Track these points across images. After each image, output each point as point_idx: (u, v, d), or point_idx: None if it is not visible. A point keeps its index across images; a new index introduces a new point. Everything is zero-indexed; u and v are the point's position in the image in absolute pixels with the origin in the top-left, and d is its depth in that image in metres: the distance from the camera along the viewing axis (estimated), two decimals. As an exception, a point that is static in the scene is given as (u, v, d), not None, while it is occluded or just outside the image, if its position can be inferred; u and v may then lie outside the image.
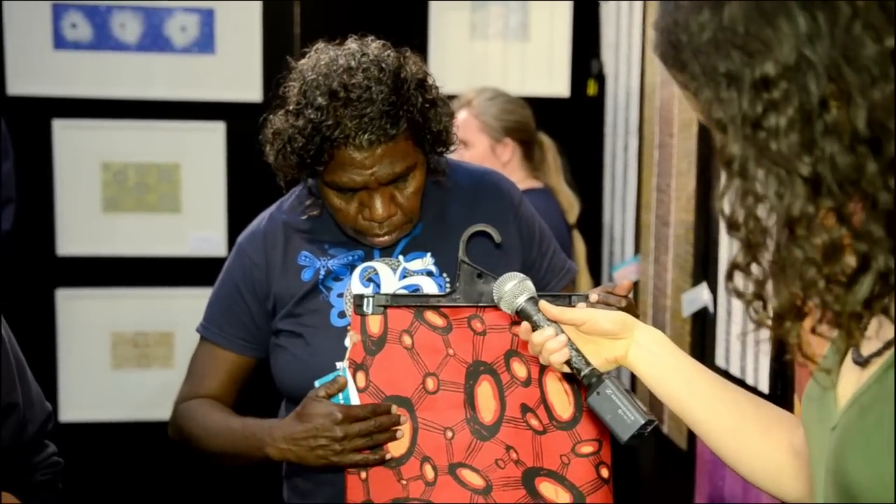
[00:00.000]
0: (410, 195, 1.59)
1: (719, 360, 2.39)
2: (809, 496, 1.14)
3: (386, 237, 1.61)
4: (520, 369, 1.58)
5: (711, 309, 2.45)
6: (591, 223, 3.36)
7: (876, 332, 0.91)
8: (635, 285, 2.96)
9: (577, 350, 1.33)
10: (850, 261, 0.86)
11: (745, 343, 2.22)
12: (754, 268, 0.90)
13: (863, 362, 0.93)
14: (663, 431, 2.82)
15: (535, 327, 1.36)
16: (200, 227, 3.39)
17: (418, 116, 1.55)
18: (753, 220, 0.88)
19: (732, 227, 0.90)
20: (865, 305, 0.87)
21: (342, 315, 1.64)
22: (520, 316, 1.39)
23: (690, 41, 0.91)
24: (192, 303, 3.37)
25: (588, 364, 1.32)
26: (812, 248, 0.85)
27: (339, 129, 1.49)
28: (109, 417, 3.39)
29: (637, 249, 3.12)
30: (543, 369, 1.57)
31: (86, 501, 3.28)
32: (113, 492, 3.39)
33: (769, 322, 0.91)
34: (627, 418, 1.28)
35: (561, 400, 1.58)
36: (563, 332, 1.34)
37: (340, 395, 1.57)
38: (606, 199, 3.48)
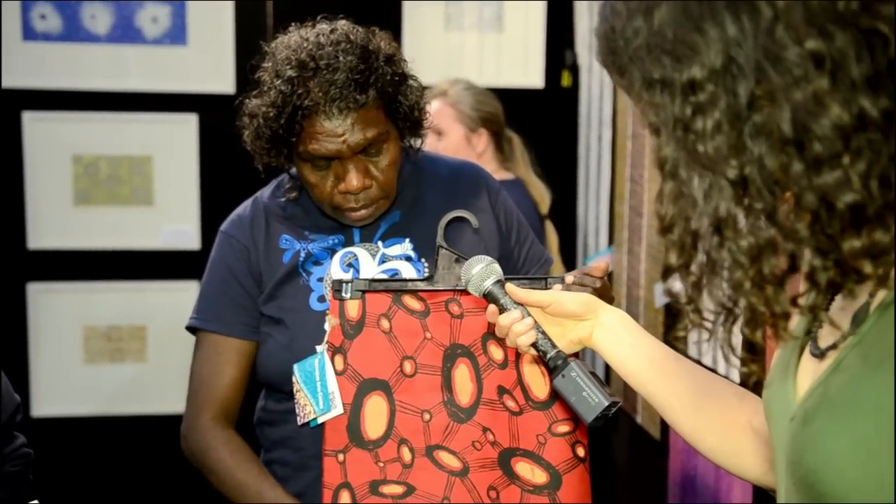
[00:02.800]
0: (385, 168, 1.60)
1: (692, 351, 2.41)
2: (767, 476, 1.17)
3: (362, 211, 1.62)
4: (496, 352, 1.59)
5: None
6: (565, 214, 3.38)
7: (834, 325, 0.92)
8: (609, 276, 2.97)
9: (543, 332, 1.36)
10: (782, 262, 0.88)
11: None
12: (693, 268, 0.91)
13: (819, 355, 0.95)
14: (637, 421, 2.84)
15: (501, 310, 1.38)
16: (173, 220, 3.37)
17: (388, 88, 1.58)
18: (685, 222, 0.89)
19: (666, 229, 0.91)
20: (792, 303, 0.88)
21: (322, 299, 1.65)
22: (487, 299, 1.41)
23: (626, 47, 0.91)
24: (166, 296, 3.37)
25: (554, 346, 1.35)
26: (739, 249, 0.86)
27: (308, 98, 1.53)
28: (82, 412, 3.36)
29: (611, 240, 3.14)
30: (520, 351, 1.58)
31: (58, 496, 3.25)
32: (86, 486, 3.36)
33: (707, 325, 0.92)
34: (591, 400, 1.31)
35: (537, 381, 1.59)
36: (529, 314, 1.36)
37: (318, 377, 1.58)
38: (580, 191, 3.49)
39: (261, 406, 1.76)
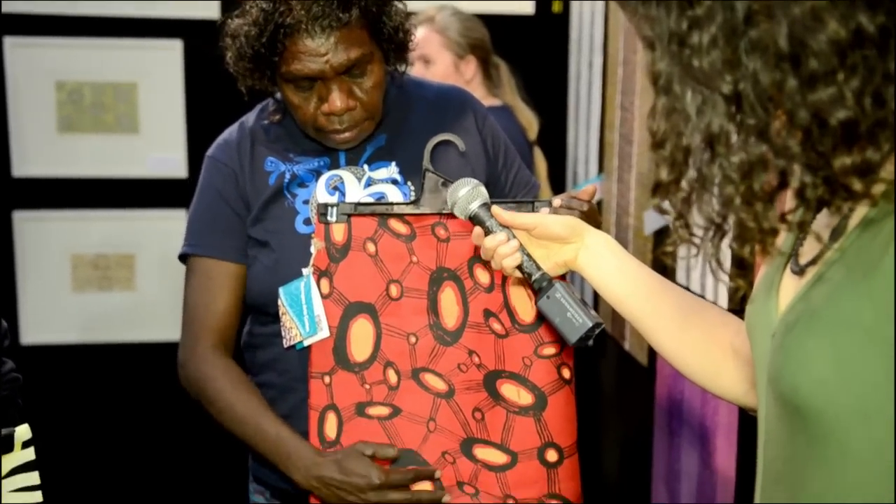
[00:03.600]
0: (369, 89, 1.58)
1: (680, 278, 2.41)
2: (747, 396, 1.19)
3: (347, 133, 1.60)
4: (483, 275, 1.59)
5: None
6: (556, 142, 3.36)
7: (819, 240, 0.93)
8: (598, 204, 2.97)
9: (528, 255, 1.36)
10: (772, 178, 0.88)
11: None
12: (683, 184, 0.90)
13: (799, 271, 0.96)
14: (625, 348, 2.86)
15: (487, 232, 1.38)
16: (159, 148, 3.33)
17: (372, 7, 1.55)
18: (677, 138, 0.88)
19: (657, 144, 0.91)
20: (780, 220, 0.89)
21: (307, 222, 1.64)
22: (473, 221, 1.41)
23: None
24: (153, 224, 3.36)
25: (539, 269, 1.35)
26: (730, 165, 0.86)
27: (290, 16, 1.50)
28: (70, 339, 3.37)
29: (601, 168, 3.13)
30: (506, 275, 1.58)
31: (47, 423, 3.27)
32: (74, 414, 3.38)
33: (695, 240, 0.93)
34: (576, 321, 1.32)
35: (523, 304, 1.59)
36: (514, 237, 1.37)
37: (304, 300, 1.57)
38: (570, 118, 3.47)
39: (247, 330, 1.76)
